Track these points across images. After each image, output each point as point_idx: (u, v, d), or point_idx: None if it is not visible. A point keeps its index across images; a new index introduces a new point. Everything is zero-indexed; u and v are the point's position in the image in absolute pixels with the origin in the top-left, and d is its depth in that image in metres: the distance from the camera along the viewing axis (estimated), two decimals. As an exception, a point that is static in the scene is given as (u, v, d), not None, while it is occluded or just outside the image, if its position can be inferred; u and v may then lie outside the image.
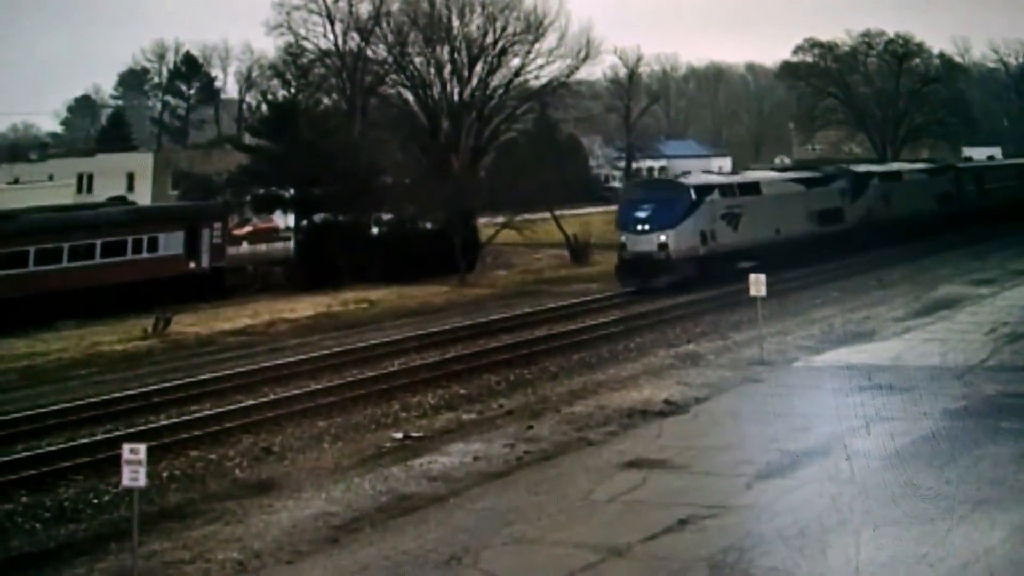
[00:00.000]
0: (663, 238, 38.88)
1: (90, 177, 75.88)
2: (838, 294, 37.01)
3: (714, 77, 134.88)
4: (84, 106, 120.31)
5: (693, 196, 40.21)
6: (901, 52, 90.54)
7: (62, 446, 20.66)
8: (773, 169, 68.01)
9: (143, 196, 67.81)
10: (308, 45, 64.62)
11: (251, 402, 23.83)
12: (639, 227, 39.36)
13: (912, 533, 14.04)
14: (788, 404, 21.43)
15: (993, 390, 21.91)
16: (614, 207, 47.03)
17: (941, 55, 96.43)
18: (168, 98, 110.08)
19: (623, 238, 40.02)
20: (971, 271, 41.74)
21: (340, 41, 64.29)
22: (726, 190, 42.39)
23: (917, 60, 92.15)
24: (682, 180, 41.98)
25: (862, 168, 55.47)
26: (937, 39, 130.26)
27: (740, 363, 25.98)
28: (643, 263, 39.00)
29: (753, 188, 44.21)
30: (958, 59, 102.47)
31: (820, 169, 53.46)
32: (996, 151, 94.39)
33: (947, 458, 17.21)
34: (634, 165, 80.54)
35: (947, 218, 56.98)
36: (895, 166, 61.61)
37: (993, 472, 16.48)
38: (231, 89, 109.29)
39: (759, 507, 15.44)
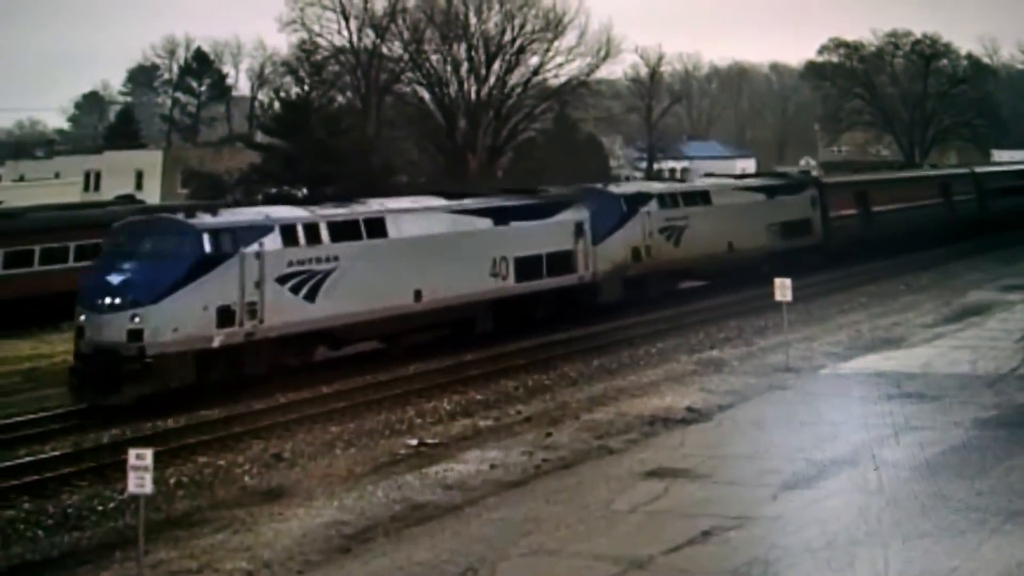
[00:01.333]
0: (136, 320, 23.01)
1: (97, 175, 76.01)
2: (866, 299, 36.57)
3: (737, 77, 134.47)
4: (92, 102, 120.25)
5: (206, 246, 23.85)
6: (928, 53, 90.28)
7: (66, 451, 20.36)
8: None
9: (152, 195, 67.73)
10: (322, 42, 64.76)
11: (261, 406, 23.53)
12: (105, 301, 23.38)
13: (942, 546, 13.84)
14: (815, 412, 21.19)
15: (1025, 399, 21.58)
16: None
17: (969, 56, 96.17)
18: (178, 95, 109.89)
19: (82, 318, 23.71)
20: (1001, 276, 41.17)
21: (355, 38, 64.45)
22: (291, 233, 25.36)
23: (944, 61, 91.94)
24: (195, 219, 24.54)
25: (627, 188, 38.47)
26: (965, 40, 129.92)
27: (765, 370, 25.64)
28: (102, 363, 23.05)
29: (368, 229, 27.05)
30: (986, 60, 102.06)
31: (540, 193, 34.28)
32: None
33: (978, 469, 17.00)
34: (656, 166, 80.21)
35: (797, 257, 40.12)
36: (705, 183, 44.27)
37: (1025, 483, 16.20)
38: (243, 86, 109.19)
39: (785, 518, 15.19)
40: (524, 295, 31.08)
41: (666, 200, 37.16)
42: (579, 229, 32.89)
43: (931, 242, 49.03)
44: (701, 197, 39.28)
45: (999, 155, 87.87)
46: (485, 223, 30.56)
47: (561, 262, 32.18)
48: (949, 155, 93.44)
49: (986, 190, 58.31)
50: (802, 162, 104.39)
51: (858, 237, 45.72)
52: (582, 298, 33.16)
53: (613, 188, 36.69)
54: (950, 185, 55.57)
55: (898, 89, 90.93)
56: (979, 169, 62.53)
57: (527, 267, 31.01)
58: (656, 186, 38.99)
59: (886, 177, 56.65)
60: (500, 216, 31.00)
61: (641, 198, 36.27)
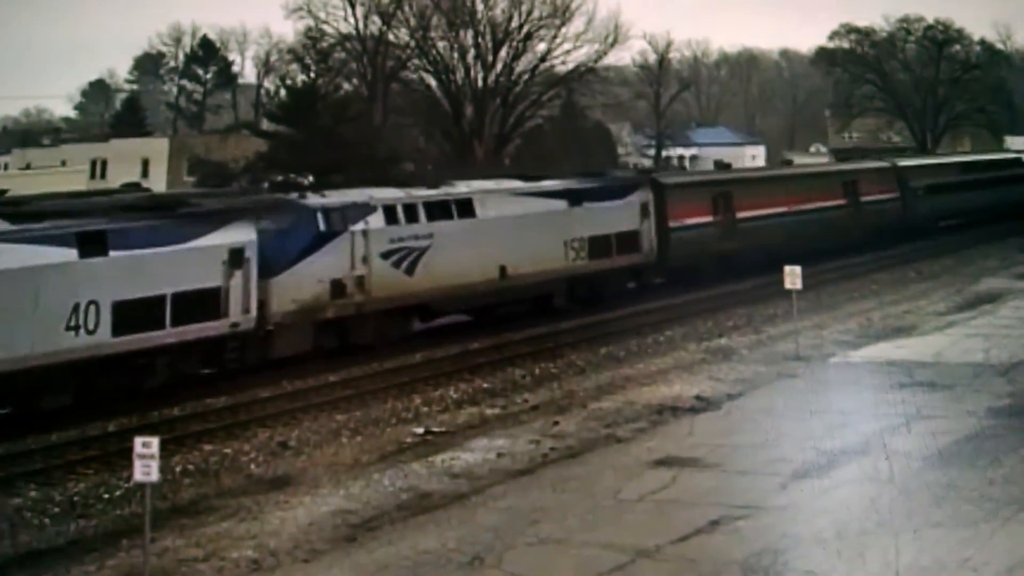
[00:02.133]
0: None
1: (104, 163, 76.24)
2: (877, 287, 36.41)
3: (747, 63, 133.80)
4: (98, 90, 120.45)
5: None
6: (941, 38, 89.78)
7: (72, 439, 20.30)
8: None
9: (158, 183, 67.90)
10: (328, 29, 64.66)
11: (267, 394, 23.48)
12: None
13: (955, 536, 13.74)
14: (825, 401, 21.05)
15: (1039, 387, 21.45)
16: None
17: (982, 42, 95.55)
18: (184, 83, 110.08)
19: None
20: (1014, 264, 41.01)
21: (361, 25, 64.30)
22: None
23: (957, 47, 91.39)
24: None
25: (335, 198, 27.43)
26: (978, 25, 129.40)
27: (775, 358, 25.47)
28: None
29: None
30: (999, 46, 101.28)
31: (183, 208, 24.75)
32: None
33: (991, 458, 16.88)
34: (664, 153, 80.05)
35: (614, 281, 33.87)
36: (469, 187, 30.97)
37: (1039, 473, 16.10)
38: (249, 74, 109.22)
39: (795, 508, 15.11)
40: (128, 354, 22.31)
41: (396, 213, 27.98)
42: (235, 257, 24.05)
43: (828, 255, 39.61)
44: (458, 207, 29.61)
45: (1012, 141, 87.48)
46: (64, 254, 21.35)
47: (200, 305, 23.48)
48: (962, 141, 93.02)
49: (912, 188, 48.26)
50: (812, 149, 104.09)
51: (713, 253, 36.61)
52: (235, 353, 24.69)
53: (310, 199, 27.14)
54: (859, 183, 45.52)
55: (910, 75, 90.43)
56: (903, 162, 52.02)
57: (136, 313, 22.23)
58: (384, 194, 28.40)
59: (760, 175, 47.43)
60: (93, 244, 21.81)
61: (354, 211, 27.08)
